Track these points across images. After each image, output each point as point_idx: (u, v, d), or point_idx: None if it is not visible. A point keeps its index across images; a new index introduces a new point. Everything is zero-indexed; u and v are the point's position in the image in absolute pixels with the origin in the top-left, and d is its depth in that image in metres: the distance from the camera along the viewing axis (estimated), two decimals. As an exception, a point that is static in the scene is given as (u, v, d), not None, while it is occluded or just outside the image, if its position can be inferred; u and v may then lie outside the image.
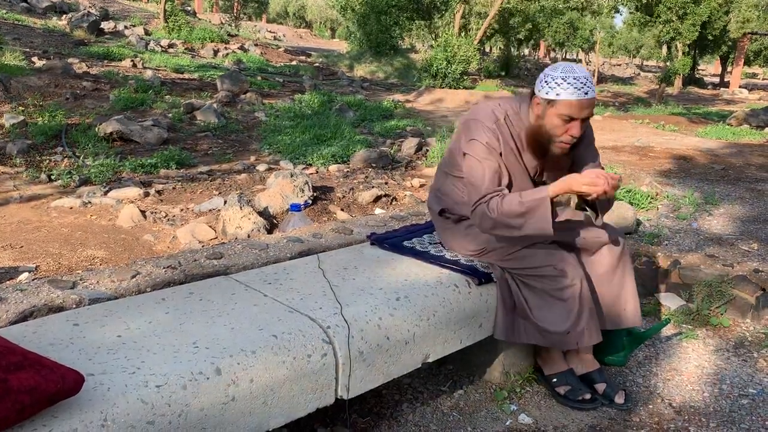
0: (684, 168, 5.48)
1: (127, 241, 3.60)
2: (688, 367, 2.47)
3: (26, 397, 1.16)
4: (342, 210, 4.40)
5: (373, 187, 4.95)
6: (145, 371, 1.38)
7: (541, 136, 1.99)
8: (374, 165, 5.78)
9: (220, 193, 4.70)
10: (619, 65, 40.74)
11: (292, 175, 4.42)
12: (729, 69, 27.42)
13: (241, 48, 17.44)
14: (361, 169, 5.70)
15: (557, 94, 1.91)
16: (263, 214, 4.04)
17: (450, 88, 13.00)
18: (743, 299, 2.86)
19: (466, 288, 2.06)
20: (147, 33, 16.64)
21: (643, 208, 4.05)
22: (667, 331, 2.76)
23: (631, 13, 22.56)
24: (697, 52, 25.84)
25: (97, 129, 6.14)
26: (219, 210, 4.07)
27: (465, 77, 13.84)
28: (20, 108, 6.89)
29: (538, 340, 2.09)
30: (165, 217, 4.04)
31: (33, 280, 2.61)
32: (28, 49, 10.55)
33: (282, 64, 16.56)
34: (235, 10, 28.91)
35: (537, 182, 2.14)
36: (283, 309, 1.75)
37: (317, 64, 18.46)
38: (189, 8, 23.05)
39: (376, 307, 1.81)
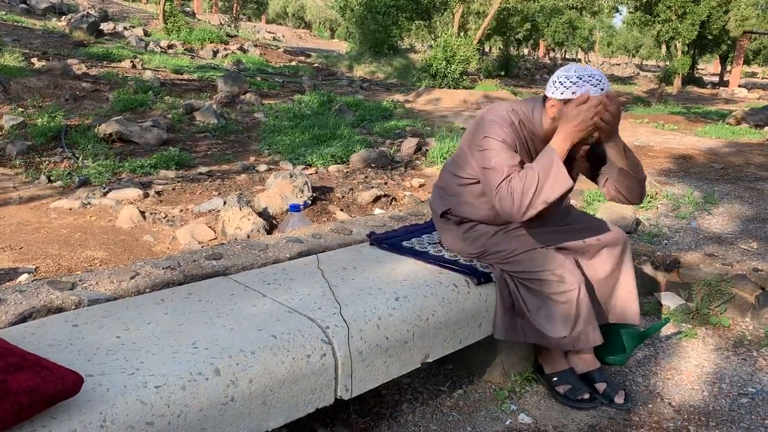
0: (683, 167, 5.48)
1: (127, 242, 3.60)
2: (688, 367, 2.47)
3: (25, 398, 1.16)
4: (341, 210, 4.40)
5: (372, 187, 4.95)
6: (144, 372, 1.38)
7: None
8: (374, 165, 5.78)
9: (219, 193, 4.70)
10: (619, 65, 40.74)
11: (291, 176, 4.42)
12: (728, 68, 27.41)
13: (241, 49, 17.44)
14: (361, 169, 5.70)
15: (573, 93, 1.89)
16: (263, 214, 4.04)
17: (449, 88, 12.99)
18: (743, 298, 2.86)
19: (466, 288, 2.06)
20: (146, 34, 16.64)
21: (643, 207, 4.05)
22: (667, 330, 2.76)
23: (630, 12, 22.57)
24: (696, 52, 25.84)
25: (96, 130, 6.14)
26: (218, 211, 4.07)
27: (464, 77, 13.84)
28: (20, 109, 6.89)
29: (537, 340, 2.09)
30: (164, 218, 4.04)
31: (32, 281, 2.60)
32: (27, 51, 10.54)
33: (281, 64, 16.56)
34: (234, 11, 28.92)
35: None
36: (282, 309, 1.75)
37: (317, 65, 18.47)
38: (188, 9, 23.06)
39: (375, 307, 1.81)
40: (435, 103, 11.59)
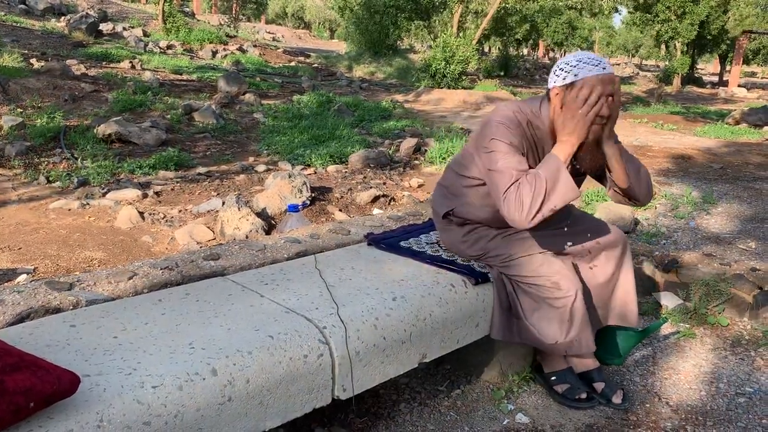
0: (682, 167, 5.48)
1: (126, 242, 3.60)
2: (686, 366, 2.47)
3: (22, 398, 1.16)
4: (340, 210, 4.40)
5: (371, 187, 4.96)
6: (141, 372, 1.38)
7: None
8: (372, 165, 5.78)
9: (218, 194, 4.70)
10: (618, 64, 40.76)
11: (290, 176, 4.42)
12: (728, 68, 27.42)
13: (240, 49, 17.44)
14: (360, 169, 5.70)
15: (575, 75, 1.87)
16: (261, 214, 4.05)
17: (449, 88, 13.00)
18: (741, 298, 2.87)
19: (463, 288, 2.06)
20: (145, 34, 16.64)
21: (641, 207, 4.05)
22: (665, 330, 2.77)
23: (630, 12, 22.58)
24: (695, 51, 25.85)
25: (95, 130, 6.14)
26: (217, 211, 4.07)
27: (464, 77, 13.84)
28: (19, 110, 6.89)
29: (531, 342, 2.10)
30: (163, 219, 4.04)
31: (31, 281, 2.61)
32: (26, 51, 10.55)
33: (281, 65, 16.57)
34: (233, 11, 28.93)
35: None
36: (279, 309, 1.75)
37: (316, 65, 18.47)
38: (187, 9, 23.05)
39: (372, 308, 1.81)
40: (434, 103, 11.60)
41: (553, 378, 2.23)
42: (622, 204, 2.14)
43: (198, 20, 21.32)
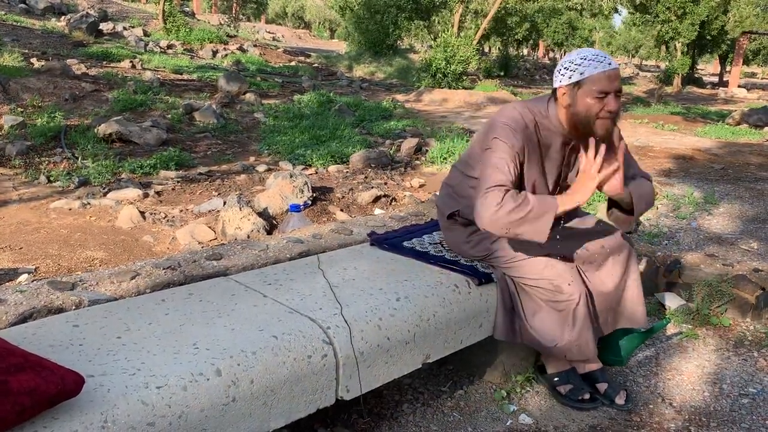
0: (683, 167, 5.48)
1: (127, 242, 3.60)
2: (689, 367, 2.47)
3: (26, 399, 1.16)
4: (341, 210, 4.40)
5: (372, 187, 4.95)
6: (145, 372, 1.38)
7: (579, 122, 1.92)
8: (373, 165, 5.78)
9: (219, 193, 4.69)
10: (618, 65, 40.71)
11: (291, 176, 4.42)
12: (728, 68, 27.43)
13: (240, 49, 17.43)
14: (361, 169, 5.70)
15: (581, 74, 1.87)
16: (263, 214, 4.04)
17: (449, 88, 12.99)
18: (743, 299, 2.86)
19: (466, 288, 2.06)
20: (146, 34, 16.63)
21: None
22: (668, 330, 2.76)
23: (630, 13, 22.58)
24: (696, 52, 25.85)
25: (96, 130, 6.14)
26: (218, 211, 4.07)
27: (464, 77, 13.84)
28: (19, 109, 6.89)
29: (532, 344, 2.09)
30: (164, 218, 4.03)
31: (32, 281, 2.60)
32: (26, 51, 10.54)
33: (281, 64, 16.56)
34: (233, 11, 28.94)
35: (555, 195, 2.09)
36: (283, 310, 1.74)
37: (316, 65, 18.46)
38: (188, 9, 23.05)
39: (376, 308, 1.81)
40: (435, 103, 11.59)
41: (556, 379, 2.22)
42: (614, 216, 2.15)
43: (198, 20, 21.31)
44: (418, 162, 6.19)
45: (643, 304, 2.23)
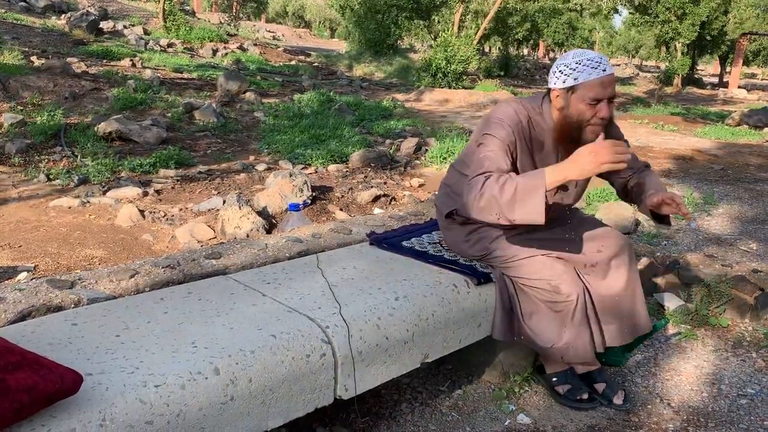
0: (683, 168, 5.48)
1: (126, 240, 3.60)
2: (687, 368, 2.47)
3: (24, 397, 1.16)
4: (341, 210, 4.40)
5: (372, 187, 4.95)
6: (143, 371, 1.38)
7: (570, 126, 1.91)
8: (373, 165, 5.78)
9: (219, 192, 4.70)
10: (618, 65, 40.77)
11: (291, 175, 4.42)
12: (728, 69, 27.43)
13: (240, 47, 17.43)
14: (360, 168, 5.70)
15: (575, 79, 1.86)
16: (262, 213, 4.04)
17: (449, 87, 13.00)
18: (742, 299, 2.86)
19: (465, 288, 2.06)
20: (146, 32, 16.63)
21: (642, 208, 4.04)
22: (666, 331, 2.76)
23: (631, 13, 22.58)
24: (696, 52, 25.85)
25: (96, 128, 6.13)
26: (218, 210, 4.07)
27: (464, 77, 13.84)
28: (19, 107, 6.89)
29: (529, 344, 2.09)
30: (164, 217, 4.03)
31: (31, 279, 2.60)
32: (26, 49, 10.53)
33: (281, 63, 16.56)
34: (234, 10, 28.91)
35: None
36: (281, 309, 1.75)
37: (316, 64, 18.46)
38: (188, 8, 23.02)
39: (375, 307, 1.81)
40: (435, 102, 11.59)
41: (554, 379, 2.22)
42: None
43: (198, 19, 21.31)
44: (417, 162, 6.19)
45: (645, 308, 2.22)
